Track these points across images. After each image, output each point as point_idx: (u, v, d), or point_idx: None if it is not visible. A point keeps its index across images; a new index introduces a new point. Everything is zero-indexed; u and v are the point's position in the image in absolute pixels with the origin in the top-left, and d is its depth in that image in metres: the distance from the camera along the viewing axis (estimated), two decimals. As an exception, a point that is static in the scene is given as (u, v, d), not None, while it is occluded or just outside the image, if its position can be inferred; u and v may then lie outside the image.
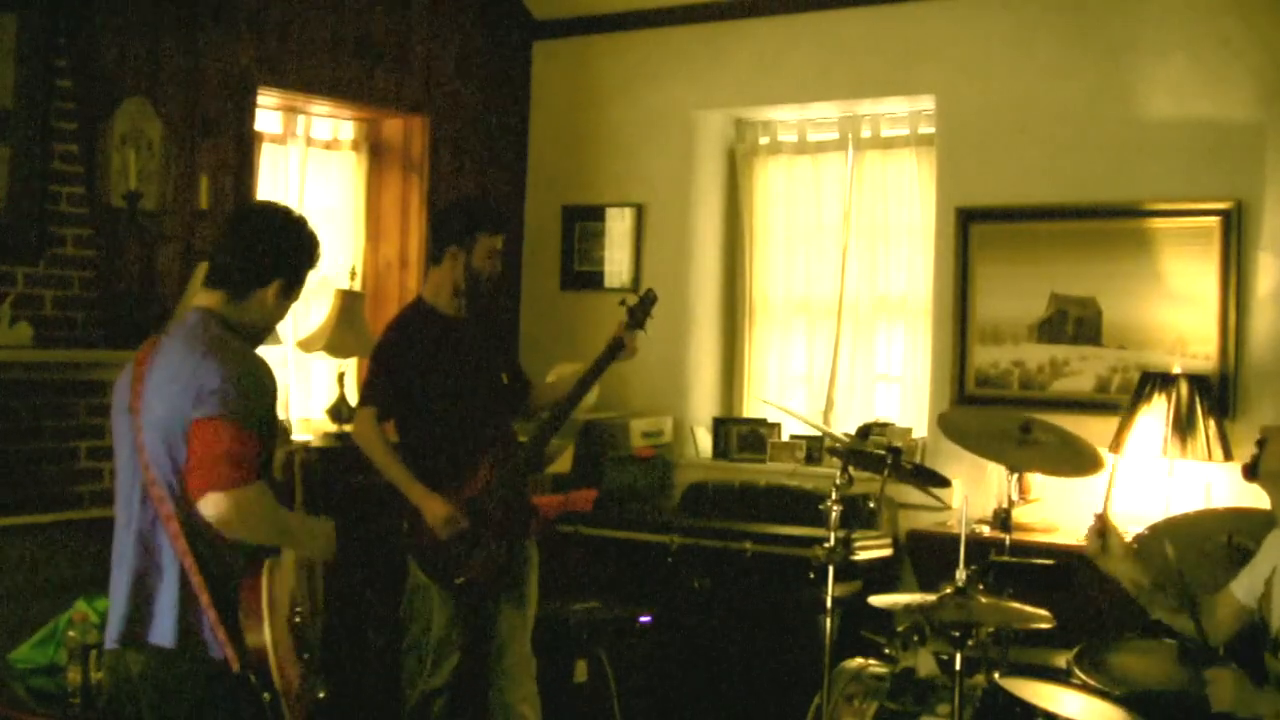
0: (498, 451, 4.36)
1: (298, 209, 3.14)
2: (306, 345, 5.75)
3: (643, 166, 6.52)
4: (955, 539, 3.92)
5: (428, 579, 4.35)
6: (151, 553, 2.93)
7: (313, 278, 3.21)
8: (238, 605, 2.90)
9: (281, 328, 5.50)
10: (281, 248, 3.03)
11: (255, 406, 2.92)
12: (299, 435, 5.89)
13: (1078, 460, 4.34)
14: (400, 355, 4.35)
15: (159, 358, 2.97)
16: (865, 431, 4.50)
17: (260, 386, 2.95)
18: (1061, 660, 3.85)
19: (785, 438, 6.16)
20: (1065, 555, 4.77)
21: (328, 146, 6.24)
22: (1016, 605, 3.70)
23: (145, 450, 2.91)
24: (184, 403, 2.87)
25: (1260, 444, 3.47)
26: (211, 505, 2.83)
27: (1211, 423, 4.91)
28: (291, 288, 3.06)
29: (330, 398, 5.80)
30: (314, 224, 3.12)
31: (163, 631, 2.91)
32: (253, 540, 2.92)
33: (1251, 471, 3.48)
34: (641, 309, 4.51)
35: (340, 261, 6.15)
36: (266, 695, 2.88)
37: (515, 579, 4.43)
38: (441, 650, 4.35)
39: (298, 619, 3.04)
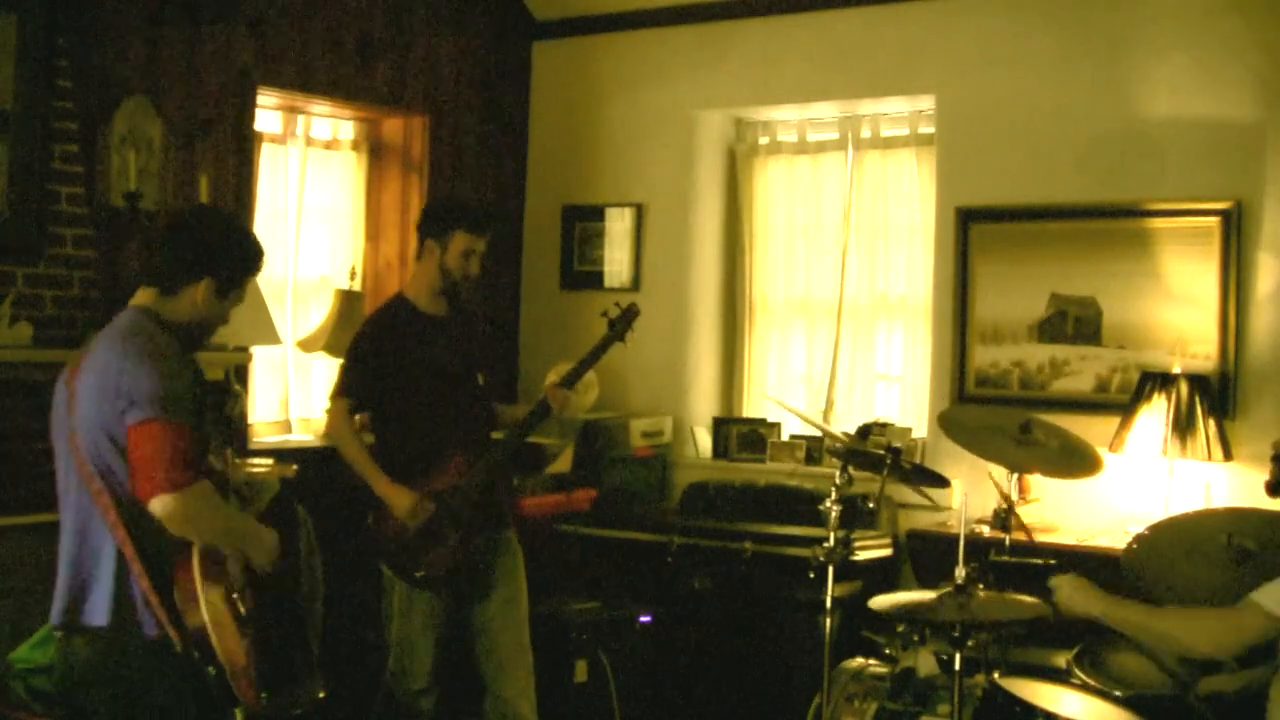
0: (468, 450, 4.36)
1: (242, 220, 3.22)
2: (306, 345, 5.75)
3: (643, 166, 6.51)
4: (955, 539, 3.92)
5: (392, 574, 4.36)
6: (89, 540, 3.02)
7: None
8: (174, 586, 2.96)
9: (281, 328, 5.53)
10: (211, 245, 3.09)
11: (185, 401, 2.97)
12: (299, 435, 5.90)
13: (1077, 462, 4.34)
14: (375, 348, 4.36)
15: (89, 356, 3.05)
16: (865, 431, 4.51)
17: (187, 381, 3.01)
18: (1061, 660, 3.85)
19: (785, 438, 6.16)
20: (1065, 555, 4.77)
21: (327, 146, 6.24)
22: (1015, 596, 3.69)
23: (78, 440, 2.99)
24: (112, 400, 2.93)
25: (1276, 459, 3.42)
26: (160, 507, 2.90)
27: (1211, 423, 4.91)
28: (225, 289, 3.12)
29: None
30: (258, 235, 3.20)
31: (98, 612, 2.98)
32: (200, 540, 2.97)
33: (1275, 489, 3.41)
34: (623, 321, 4.53)
35: (340, 261, 6.15)
36: (211, 670, 2.94)
37: (499, 575, 4.43)
38: (416, 648, 4.35)
39: (235, 597, 3.05)
